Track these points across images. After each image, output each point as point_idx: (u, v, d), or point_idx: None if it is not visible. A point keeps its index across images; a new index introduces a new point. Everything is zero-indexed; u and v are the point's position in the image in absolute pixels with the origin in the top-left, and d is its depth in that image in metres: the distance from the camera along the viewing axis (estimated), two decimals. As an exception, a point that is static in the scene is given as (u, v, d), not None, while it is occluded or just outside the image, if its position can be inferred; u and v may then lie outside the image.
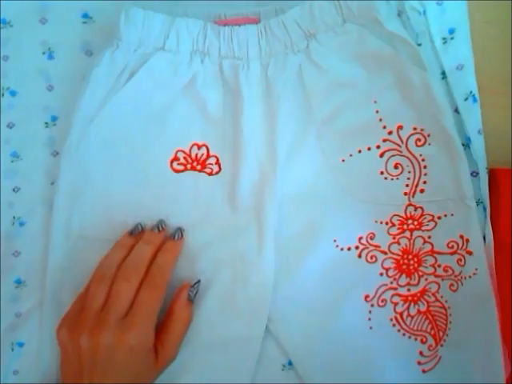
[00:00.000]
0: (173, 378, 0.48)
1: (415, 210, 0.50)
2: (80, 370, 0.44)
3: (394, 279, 0.50)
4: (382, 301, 0.50)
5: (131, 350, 0.44)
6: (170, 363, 0.47)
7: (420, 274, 0.50)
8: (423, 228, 0.50)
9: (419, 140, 0.50)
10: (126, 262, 0.47)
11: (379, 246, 0.50)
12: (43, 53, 0.51)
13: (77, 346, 0.44)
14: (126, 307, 0.45)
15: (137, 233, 0.49)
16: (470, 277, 0.50)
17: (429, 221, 0.50)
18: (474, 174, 0.51)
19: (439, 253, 0.50)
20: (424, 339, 0.50)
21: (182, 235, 0.49)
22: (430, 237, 0.50)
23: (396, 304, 0.50)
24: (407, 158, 0.50)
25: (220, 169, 0.50)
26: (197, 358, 0.48)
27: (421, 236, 0.50)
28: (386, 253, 0.50)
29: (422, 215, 0.50)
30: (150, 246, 0.48)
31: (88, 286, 0.47)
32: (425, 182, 0.50)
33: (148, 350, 0.45)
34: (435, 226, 0.50)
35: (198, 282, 0.49)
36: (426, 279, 0.50)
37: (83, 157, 0.49)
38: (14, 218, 0.51)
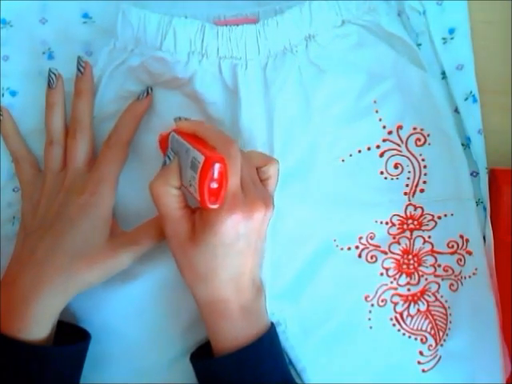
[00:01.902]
0: (170, 369, 0.49)
1: (415, 210, 0.50)
2: (34, 222, 0.46)
3: (394, 279, 0.50)
4: (382, 301, 0.50)
5: (81, 207, 0.45)
6: (121, 261, 0.45)
7: (420, 273, 0.50)
8: (423, 228, 0.50)
9: (419, 140, 0.50)
10: (70, 121, 0.48)
11: (379, 246, 0.50)
12: (43, 53, 0.51)
13: (35, 206, 0.47)
14: (80, 165, 0.47)
15: (55, 83, 0.48)
16: (469, 277, 0.50)
17: (429, 220, 0.50)
18: (474, 174, 0.52)
19: (439, 252, 0.50)
20: (424, 339, 0.50)
21: (147, 94, 0.49)
22: (430, 237, 0.50)
23: (396, 304, 0.50)
24: (407, 157, 0.50)
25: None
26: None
27: (421, 236, 0.50)
28: (386, 253, 0.50)
29: (421, 215, 0.50)
30: (82, 97, 0.48)
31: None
32: (425, 182, 0.50)
33: (102, 211, 0.46)
34: (435, 226, 0.50)
35: None
36: (426, 279, 0.50)
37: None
38: (13, 218, 0.51)
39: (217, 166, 0.40)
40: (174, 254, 0.44)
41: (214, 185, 0.41)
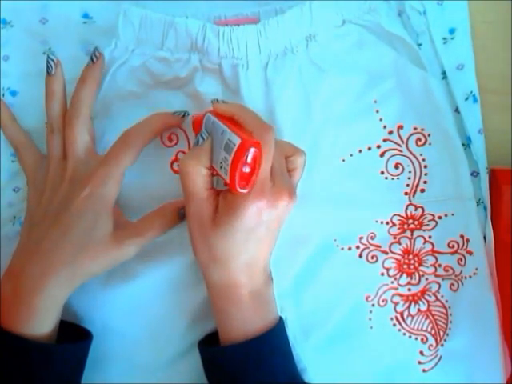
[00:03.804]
0: (170, 369, 0.49)
1: (416, 210, 0.50)
2: (39, 212, 0.46)
3: (395, 279, 0.50)
4: (383, 301, 0.50)
5: (85, 199, 0.44)
6: (125, 253, 0.45)
7: (420, 273, 0.50)
8: (424, 228, 0.50)
9: (419, 140, 0.50)
10: (68, 108, 0.48)
11: (380, 246, 0.50)
12: (43, 53, 0.51)
13: (40, 194, 0.47)
14: (79, 154, 0.47)
15: (54, 69, 0.47)
16: (470, 277, 0.50)
17: (429, 220, 0.50)
18: (475, 173, 0.52)
19: (440, 252, 0.50)
20: (424, 339, 0.50)
21: (183, 116, 0.48)
22: (430, 236, 0.50)
23: (396, 304, 0.50)
24: (407, 157, 0.50)
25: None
26: (193, 353, 0.48)
27: (421, 236, 0.50)
28: (386, 252, 0.50)
29: (422, 215, 0.50)
30: (85, 84, 0.47)
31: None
32: (425, 182, 0.50)
33: (106, 203, 0.45)
34: (436, 226, 0.50)
35: None
36: (427, 279, 0.50)
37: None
38: (14, 217, 0.51)
39: (252, 151, 0.40)
40: (193, 235, 0.44)
41: (247, 169, 0.41)
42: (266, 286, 0.45)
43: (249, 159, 0.41)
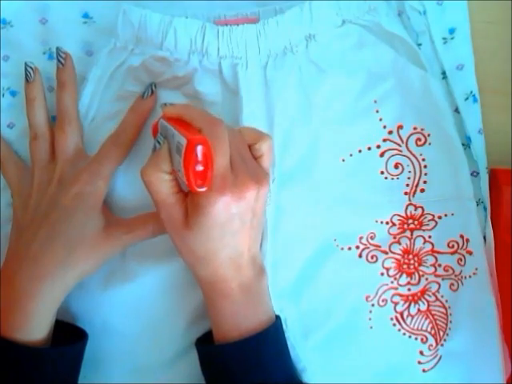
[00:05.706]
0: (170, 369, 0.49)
1: (415, 210, 0.50)
2: (27, 216, 0.46)
3: (395, 279, 0.50)
4: (383, 300, 0.50)
5: (75, 196, 0.45)
6: (115, 249, 0.46)
7: (420, 273, 0.50)
8: (423, 228, 0.50)
9: (419, 140, 0.50)
10: (57, 115, 0.48)
11: (380, 246, 0.50)
12: (43, 53, 0.51)
13: (26, 200, 0.47)
14: (70, 156, 0.47)
15: (33, 77, 0.48)
16: (470, 276, 0.50)
17: (429, 220, 0.50)
18: (475, 173, 0.52)
19: (439, 252, 0.50)
20: (424, 339, 0.50)
21: (151, 92, 0.48)
22: (430, 236, 0.50)
23: (396, 304, 0.50)
24: (407, 157, 0.50)
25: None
26: (193, 353, 0.48)
27: (421, 236, 0.50)
28: (386, 252, 0.50)
29: (422, 215, 0.50)
30: (65, 89, 0.48)
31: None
32: (425, 182, 0.50)
33: (95, 200, 0.45)
34: (435, 226, 0.50)
35: None
36: (427, 279, 0.50)
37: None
38: (14, 217, 0.51)
39: (199, 148, 0.39)
40: (172, 239, 0.44)
41: (200, 167, 0.40)
42: (257, 278, 0.45)
43: (199, 157, 0.39)
